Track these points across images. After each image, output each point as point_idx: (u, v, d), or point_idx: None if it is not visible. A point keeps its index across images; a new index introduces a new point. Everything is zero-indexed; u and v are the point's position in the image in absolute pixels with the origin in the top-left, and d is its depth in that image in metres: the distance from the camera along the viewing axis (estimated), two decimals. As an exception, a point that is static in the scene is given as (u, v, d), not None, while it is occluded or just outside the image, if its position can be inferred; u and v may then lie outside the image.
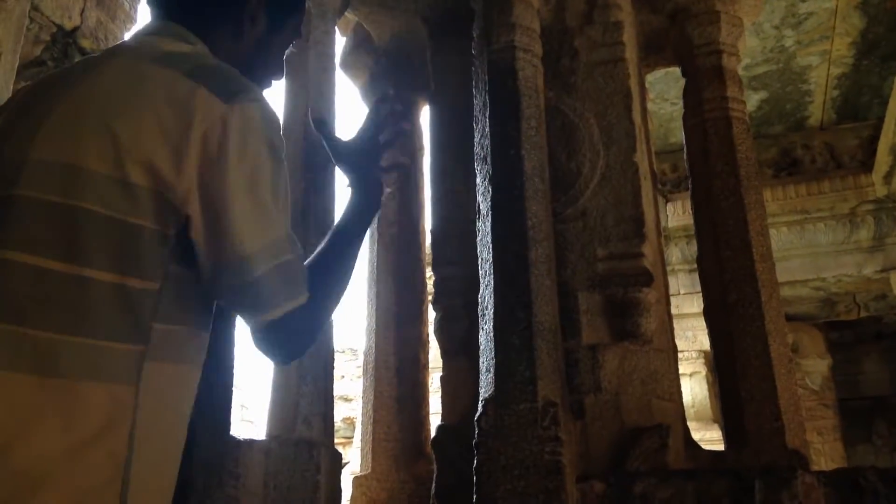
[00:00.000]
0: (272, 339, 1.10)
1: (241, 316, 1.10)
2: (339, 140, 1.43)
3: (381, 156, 1.40)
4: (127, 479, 0.94)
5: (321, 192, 2.46)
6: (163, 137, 0.98)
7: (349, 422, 8.61)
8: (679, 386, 2.53)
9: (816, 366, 7.13)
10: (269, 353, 1.15)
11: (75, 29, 4.18)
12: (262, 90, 1.29)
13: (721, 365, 2.50)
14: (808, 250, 6.30)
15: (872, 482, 2.01)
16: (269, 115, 1.07)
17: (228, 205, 1.00)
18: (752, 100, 6.02)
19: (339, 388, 9.12)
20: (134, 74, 1.04)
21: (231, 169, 1.00)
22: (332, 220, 2.44)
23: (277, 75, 1.31)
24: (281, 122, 2.61)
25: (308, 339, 1.15)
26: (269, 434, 2.23)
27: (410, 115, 3.30)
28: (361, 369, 3.12)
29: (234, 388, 2.00)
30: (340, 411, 8.81)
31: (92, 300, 0.96)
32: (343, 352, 9.25)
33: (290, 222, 1.12)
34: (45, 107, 1.04)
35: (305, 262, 1.18)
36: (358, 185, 1.35)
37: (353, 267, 1.27)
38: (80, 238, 0.96)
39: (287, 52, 1.34)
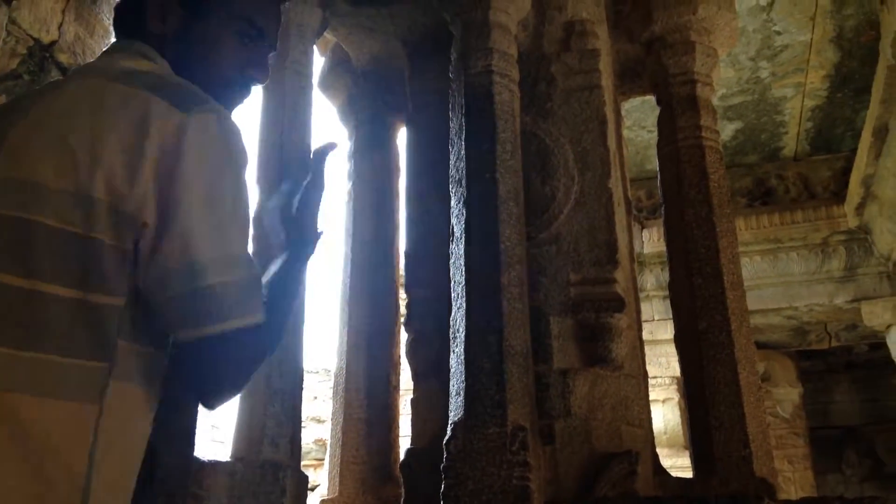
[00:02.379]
0: (214, 357, 1.04)
1: (184, 329, 1.02)
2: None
3: (317, 208, 1.40)
4: (87, 498, 0.93)
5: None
6: (120, 152, 0.98)
7: (322, 443, 8.53)
8: (649, 412, 2.54)
9: (788, 394, 7.17)
10: (202, 380, 1.07)
11: (53, 43, 4.15)
12: (243, 98, 1.29)
13: (691, 392, 2.50)
14: (781, 279, 6.37)
15: (838, 512, 2.01)
16: (228, 126, 1.06)
17: (182, 211, 0.99)
18: (728, 129, 6.10)
19: (312, 410, 9.05)
20: (93, 92, 1.04)
21: (187, 177, 0.99)
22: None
23: (237, 70, 1.24)
24: (257, 141, 2.60)
25: (251, 367, 1.09)
26: (235, 455, 2.20)
27: (388, 142, 3.31)
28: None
29: (198, 409, 1.97)
30: (313, 433, 8.72)
31: (50, 316, 0.95)
32: (317, 372, 9.18)
33: (246, 240, 1.09)
34: (6, 126, 1.04)
35: None
36: (288, 240, 1.35)
37: (289, 313, 1.25)
38: (37, 253, 0.96)
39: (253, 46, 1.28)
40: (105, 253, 0.98)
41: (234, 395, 1.12)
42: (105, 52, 1.21)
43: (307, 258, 1.35)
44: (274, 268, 1.30)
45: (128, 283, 1.00)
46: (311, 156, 1.43)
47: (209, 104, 1.05)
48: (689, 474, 2.58)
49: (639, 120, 5.98)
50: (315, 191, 1.38)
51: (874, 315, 6.26)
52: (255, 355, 1.09)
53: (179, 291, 0.99)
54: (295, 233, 1.35)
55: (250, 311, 1.04)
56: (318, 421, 8.73)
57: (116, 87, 1.03)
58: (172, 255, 0.98)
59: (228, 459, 2.18)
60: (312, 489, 8.07)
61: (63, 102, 1.04)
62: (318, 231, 1.39)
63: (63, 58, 4.24)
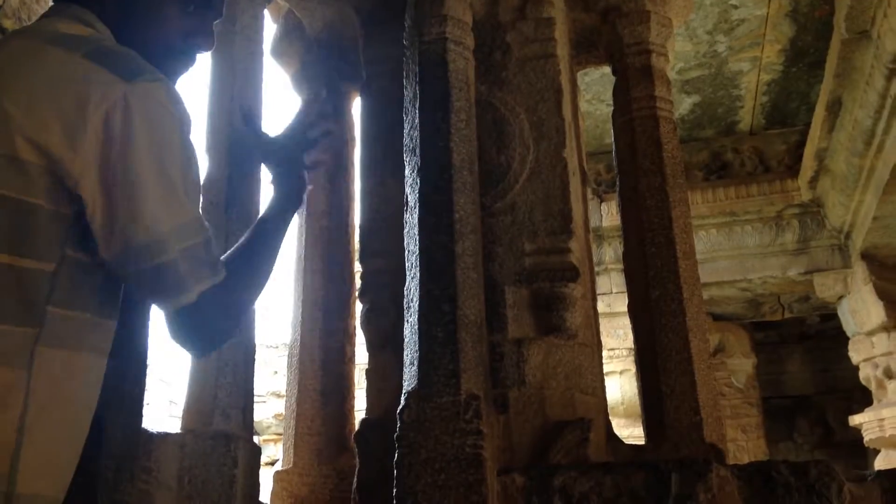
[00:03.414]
0: (188, 324, 1.09)
1: (156, 302, 1.08)
2: (265, 135, 1.47)
3: (305, 153, 1.46)
4: (16, 466, 0.92)
5: (245, 181, 2.41)
6: (56, 116, 0.96)
7: (282, 418, 8.49)
8: (602, 381, 2.56)
9: (742, 365, 7.30)
10: (186, 342, 1.13)
11: (-3, 8, 4.02)
12: (187, 66, 1.25)
13: (643, 360, 2.53)
14: (736, 252, 6.45)
15: (784, 475, 2.05)
16: (173, 94, 1.05)
17: (137, 187, 0.99)
18: (685, 103, 6.14)
19: (272, 384, 9.01)
20: (28, 54, 1.02)
21: (138, 149, 0.99)
22: (257, 210, 2.39)
23: (180, 38, 1.20)
24: (206, 108, 2.54)
25: (224, 325, 1.13)
26: (185, 427, 2.17)
27: (342, 111, 3.27)
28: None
29: (146, 380, 1.93)
30: (273, 407, 8.69)
31: None
32: (276, 347, 9.13)
33: (199, 203, 1.11)
34: None
35: (228, 252, 1.19)
36: (281, 180, 1.39)
37: (274, 260, 1.27)
38: None
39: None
40: (37, 217, 0.97)
41: (224, 342, 1.18)
42: (42, 16, 1.17)
43: (294, 207, 1.39)
44: (263, 212, 1.34)
45: (60, 249, 0.99)
46: (302, 107, 1.49)
47: (151, 73, 1.03)
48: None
49: (598, 94, 5.99)
50: (302, 143, 1.44)
51: (826, 287, 6.39)
52: (228, 310, 1.13)
53: (141, 268, 1.01)
54: (283, 181, 1.38)
55: (209, 274, 1.07)
56: (279, 396, 8.69)
57: (54, 50, 1.01)
58: (132, 230, 0.99)
59: (179, 431, 2.15)
60: (273, 463, 8.06)
61: None
62: (304, 182, 1.44)
63: (8, 24, 4.11)
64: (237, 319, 1.16)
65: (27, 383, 0.94)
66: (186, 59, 1.25)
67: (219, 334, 1.14)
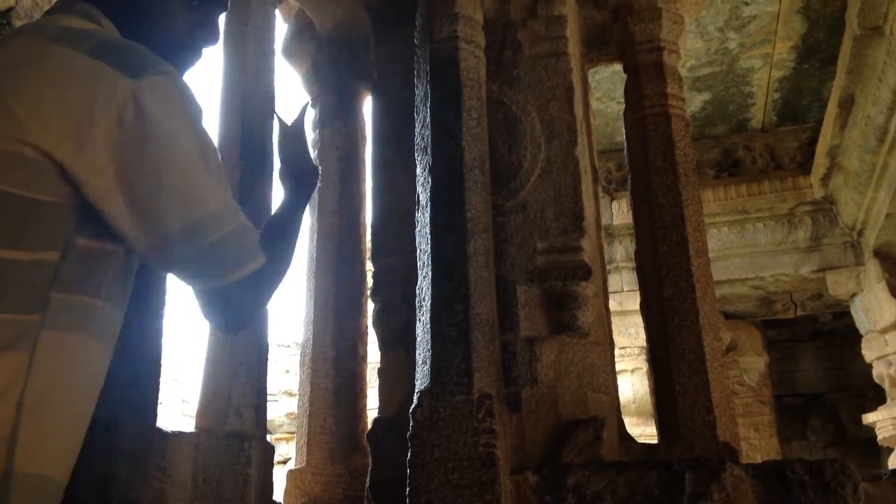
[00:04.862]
0: (222, 305, 1.15)
1: (194, 283, 1.13)
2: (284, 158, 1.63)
3: (306, 147, 1.61)
4: (13, 444, 0.93)
5: (258, 180, 2.41)
6: (62, 118, 0.97)
7: (294, 417, 8.51)
8: (615, 379, 2.55)
9: (754, 363, 7.28)
10: (218, 321, 1.20)
11: (10, 10, 4.05)
12: (194, 61, 1.27)
13: (656, 359, 2.52)
14: (748, 249, 6.42)
15: (799, 474, 2.04)
16: (181, 85, 1.06)
17: (163, 179, 1.00)
18: (696, 101, 6.11)
19: (284, 383, 9.04)
20: (33, 52, 1.02)
21: (160, 144, 1.01)
22: (269, 207, 2.39)
23: (186, 33, 1.22)
24: (218, 108, 2.55)
25: (254, 307, 1.19)
26: (200, 426, 2.18)
27: (353, 110, 3.27)
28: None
29: (160, 379, 1.94)
30: (285, 406, 8.72)
31: None
32: (289, 346, 9.15)
33: (228, 188, 1.14)
34: None
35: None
36: (289, 175, 1.48)
37: (294, 249, 1.34)
38: None
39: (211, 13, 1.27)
40: (40, 211, 0.97)
41: (250, 324, 1.30)
42: (47, 11, 1.18)
43: (308, 196, 1.52)
44: (277, 209, 1.46)
45: (66, 238, 1.00)
46: (298, 113, 1.66)
47: (158, 66, 1.04)
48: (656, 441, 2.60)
49: (608, 91, 5.97)
50: (302, 136, 1.59)
51: (839, 284, 6.35)
52: (262, 293, 1.19)
53: (182, 254, 1.04)
54: (295, 173, 1.52)
55: (251, 258, 1.12)
56: (290, 395, 8.72)
57: (58, 48, 1.01)
58: (167, 223, 1.02)
59: (193, 430, 2.16)
60: (285, 462, 8.09)
61: (1, 62, 1.02)
62: (316, 167, 1.57)
63: (20, 25, 4.14)
64: (266, 301, 1.22)
65: (29, 365, 0.96)
66: (193, 54, 1.26)
67: (248, 315, 1.20)
